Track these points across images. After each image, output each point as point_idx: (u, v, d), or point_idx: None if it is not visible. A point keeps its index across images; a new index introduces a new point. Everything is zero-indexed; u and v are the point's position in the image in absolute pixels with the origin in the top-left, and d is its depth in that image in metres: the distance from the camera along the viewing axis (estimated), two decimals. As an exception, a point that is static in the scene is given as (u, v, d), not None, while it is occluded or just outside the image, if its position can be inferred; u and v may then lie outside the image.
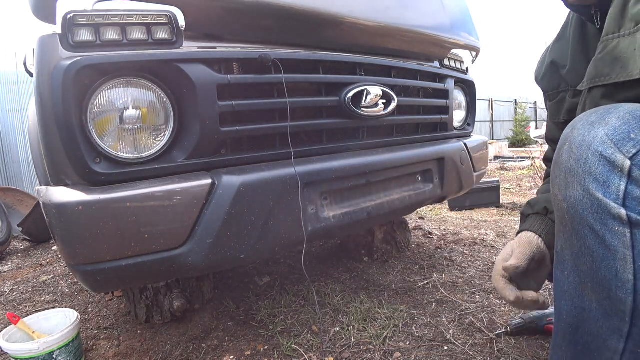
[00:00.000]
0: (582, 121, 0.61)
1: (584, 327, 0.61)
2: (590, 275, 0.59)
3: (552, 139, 1.05)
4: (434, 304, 1.50)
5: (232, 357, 1.24)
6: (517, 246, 0.89)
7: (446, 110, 1.58)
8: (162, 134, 0.93)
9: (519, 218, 1.04)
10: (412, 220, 2.98)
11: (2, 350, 1.16)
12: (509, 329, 1.24)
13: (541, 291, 1.52)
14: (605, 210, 0.55)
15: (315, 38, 1.18)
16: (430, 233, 2.55)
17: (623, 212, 0.54)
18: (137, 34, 0.87)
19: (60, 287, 2.07)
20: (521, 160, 6.98)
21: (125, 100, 0.88)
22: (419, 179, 1.44)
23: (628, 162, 0.54)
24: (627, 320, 0.56)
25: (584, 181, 0.58)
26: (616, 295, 0.56)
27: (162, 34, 0.89)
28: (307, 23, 1.11)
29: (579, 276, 0.61)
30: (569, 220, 0.61)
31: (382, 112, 1.25)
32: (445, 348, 1.20)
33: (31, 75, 0.98)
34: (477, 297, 1.54)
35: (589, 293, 0.60)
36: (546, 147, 1.22)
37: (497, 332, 1.26)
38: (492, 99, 14.40)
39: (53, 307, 1.76)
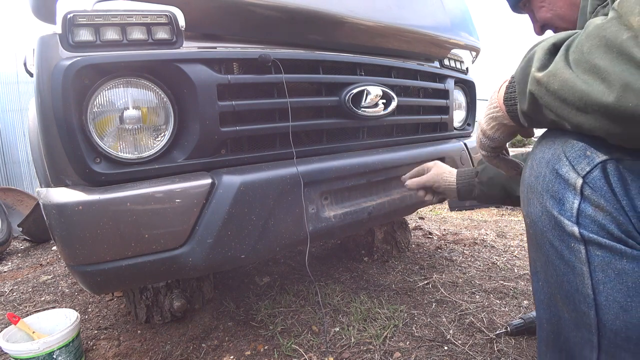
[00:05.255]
0: (546, 137, 0.63)
1: (563, 334, 0.62)
2: (557, 288, 0.61)
3: None
4: (434, 304, 1.50)
5: (232, 357, 1.24)
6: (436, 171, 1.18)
7: (446, 110, 1.58)
8: (162, 134, 0.93)
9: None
10: (412, 220, 2.98)
11: (2, 350, 1.16)
12: (508, 329, 1.24)
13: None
14: (561, 227, 0.57)
15: (316, 38, 1.18)
16: (430, 233, 2.55)
17: (576, 229, 0.56)
18: (137, 34, 0.87)
19: (60, 287, 2.06)
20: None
21: (125, 100, 0.88)
22: (419, 179, 1.44)
23: (580, 180, 0.55)
24: (594, 332, 0.57)
25: (542, 198, 0.59)
26: (580, 309, 0.57)
27: (162, 34, 0.89)
28: (307, 23, 1.11)
29: (550, 287, 0.63)
30: (533, 235, 0.63)
31: (382, 112, 1.25)
32: (445, 348, 1.20)
33: (31, 75, 0.98)
34: (477, 297, 1.54)
35: (560, 304, 0.62)
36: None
37: (497, 332, 1.26)
38: (492, 98, 14.37)
39: (53, 307, 1.76)
